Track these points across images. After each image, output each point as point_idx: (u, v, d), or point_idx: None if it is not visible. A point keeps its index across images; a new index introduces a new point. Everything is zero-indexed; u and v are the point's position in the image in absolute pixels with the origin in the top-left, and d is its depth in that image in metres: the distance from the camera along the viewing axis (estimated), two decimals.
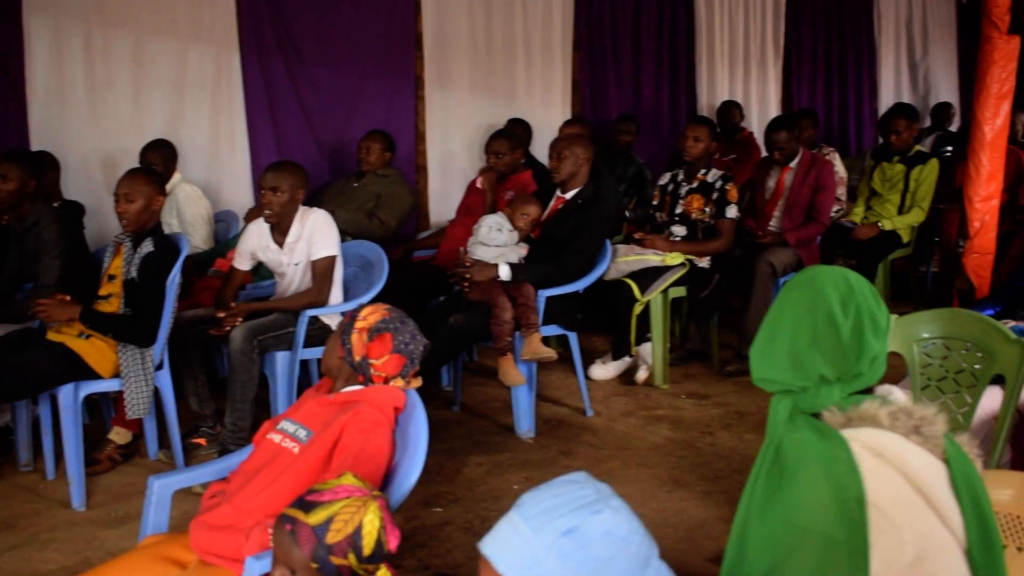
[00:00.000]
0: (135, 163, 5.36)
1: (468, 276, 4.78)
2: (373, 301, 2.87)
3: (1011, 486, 2.10)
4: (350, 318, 2.79)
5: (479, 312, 4.74)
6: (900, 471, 1.64)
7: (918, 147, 6.80)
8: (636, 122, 7.57)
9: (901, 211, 6.66)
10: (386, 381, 2.74)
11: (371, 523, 2.03)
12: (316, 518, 2.01)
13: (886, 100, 10.00)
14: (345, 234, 5.28)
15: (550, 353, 4.73)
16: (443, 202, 7.28)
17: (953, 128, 9.59)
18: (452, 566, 3.53)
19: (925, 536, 1.62)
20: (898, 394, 1.88)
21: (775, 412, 1.86)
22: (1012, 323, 3.62)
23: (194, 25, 6.23)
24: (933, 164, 6.61)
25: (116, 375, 4.11)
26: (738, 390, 5.50)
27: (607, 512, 1.42)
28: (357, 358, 2.73)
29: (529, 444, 4.75)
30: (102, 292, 4.26)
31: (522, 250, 5.03)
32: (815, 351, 1.80)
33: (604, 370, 5.70)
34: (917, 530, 1.61)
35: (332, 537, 1.99)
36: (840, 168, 7.39)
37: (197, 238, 5.60)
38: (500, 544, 1.41)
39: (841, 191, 7.17)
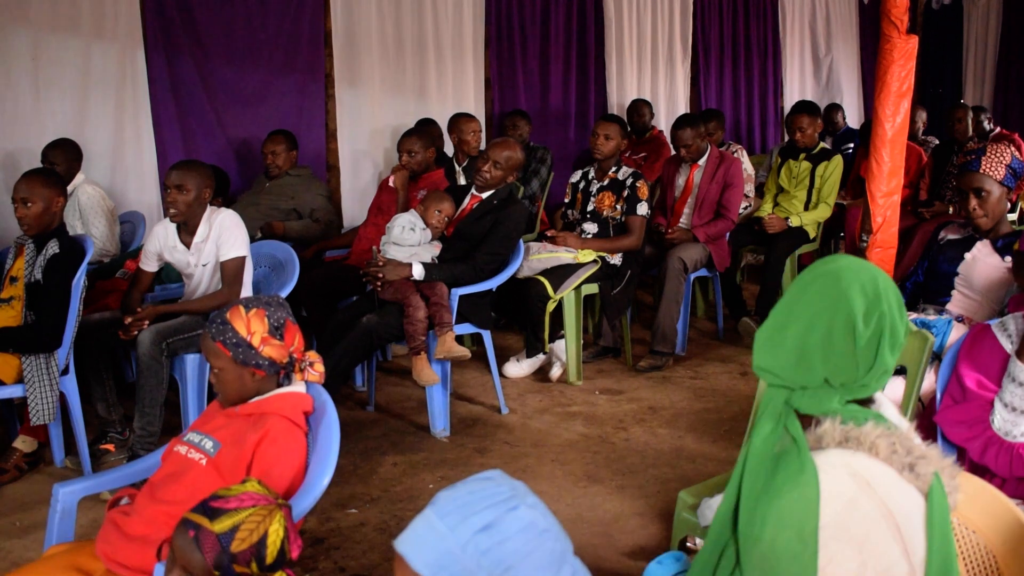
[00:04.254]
0: (37, 163, 5.21)
1: (381, 276, 4.76)
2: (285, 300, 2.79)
3: None
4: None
5: (392, 312, 4.72)
6: (883, 504, 1.63)
7: (822, 144, 6.93)
8: (527, 118, 7.53)
9: (807, 207, 6.77)
10: (284, 367, 2.67)
11: (276, 533, 2.04)
12: (221, 526, 1.99)
13: (791, 98, 10.17)
14: (287, 239, 5.44)
15: (464, 352, 4.73)
16: (356, 201, 7.23)
17: (853, 125, 9.81)
18: (368, 567, 3.51)
19: (886, 566, 1.62)
20: (889, 408, 1.83)
21: (770, 405, 1.77)
22: (913, 315, 3.72)
23: (97, 21, 6.05)
24: (837, 161, 6.73)
25: (19, 380, 4.00)
26: (651, 385, 5.57)
27: (523, 508, 1.43)
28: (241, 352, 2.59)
29: (444, 443, 4.74)
30: (3, 295, 4.14)
31: (435, 249, 5.01)
32: (825, 353, 1.72)
33: (518, 368, 5.72)
34: (882, 561, 1.62)
35: (237, 546, 1.98)
36: (748, 165, 7.50)
37: (100, 240, 5.46)
38: (415, 541, 1.41)
39: (749, 188, 7.28)
